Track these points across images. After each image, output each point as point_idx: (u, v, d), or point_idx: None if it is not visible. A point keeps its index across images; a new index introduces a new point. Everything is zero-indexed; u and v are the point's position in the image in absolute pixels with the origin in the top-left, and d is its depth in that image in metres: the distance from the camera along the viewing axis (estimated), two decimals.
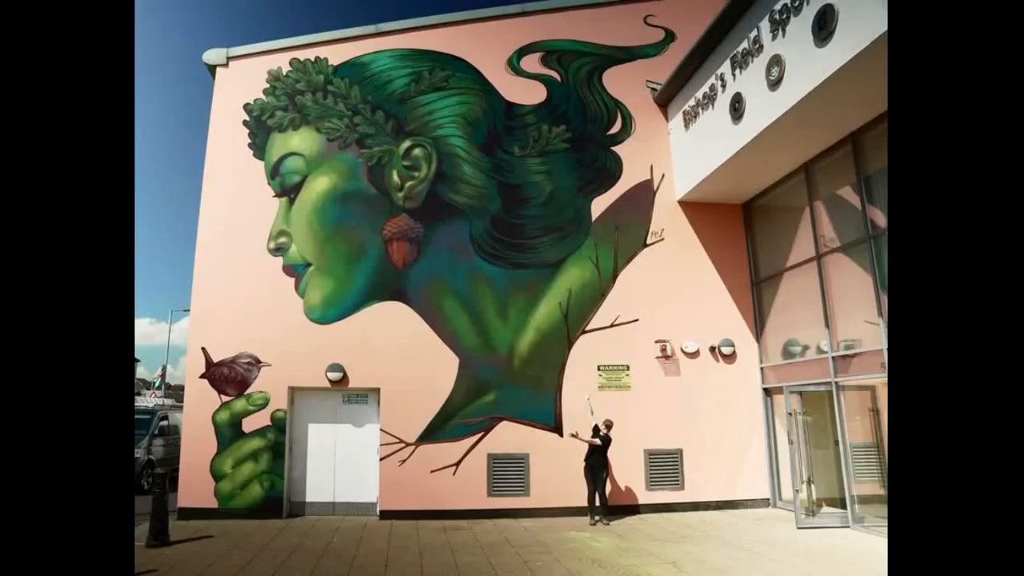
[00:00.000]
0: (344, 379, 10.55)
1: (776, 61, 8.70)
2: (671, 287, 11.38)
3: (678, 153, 11.74)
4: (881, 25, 6.76)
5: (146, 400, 29.07)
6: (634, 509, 10.56)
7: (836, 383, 9.42)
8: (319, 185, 11.12)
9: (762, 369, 11.38)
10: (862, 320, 9.08)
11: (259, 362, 10.48)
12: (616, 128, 11.88)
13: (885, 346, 8.33)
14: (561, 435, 10.60)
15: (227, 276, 10.75)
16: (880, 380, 8.86)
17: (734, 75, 9.85)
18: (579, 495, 10.11)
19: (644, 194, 11.71)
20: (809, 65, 7.97)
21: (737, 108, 9.68)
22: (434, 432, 10.47)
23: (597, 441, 9.85)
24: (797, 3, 8.34)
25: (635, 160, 11.76)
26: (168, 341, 54.36)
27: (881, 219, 8.77)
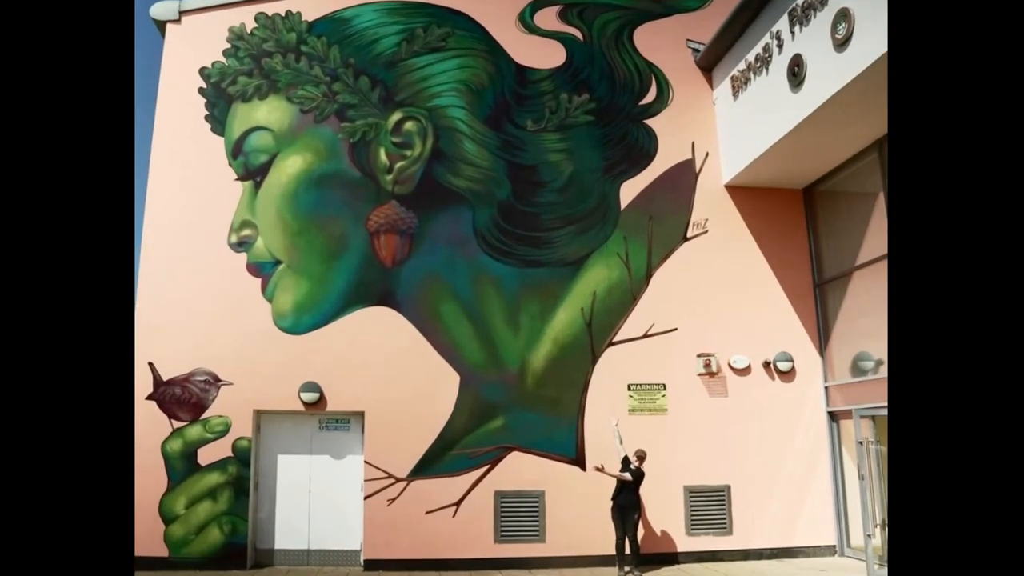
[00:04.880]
0: (321, 401, 10.45)
1: (844, 16, 8.54)
2: (716, 289, 11.22)
3: (725, 127, 11.61)
4: None
5: None
6: (672, 558, 10.43)
7: None
8: (291, 166, 11.03)
9: (827, 388, 11.19)
10: None
11: (218, 380, 10.37)
12: (650, 97, 11.74)
13: None
14: (583, 468, 10.46)
15: (179, 276, 10.68)
16: None
17: (792, 33, 9.75)
18: (605, 541, 9.85)
19: (684, 177, 11.57)
20: (884, 20, 7.62)
21: (796, 73, 9.54)
22: (430, 465, 10.38)
23: (627, 476, 9.61)
24: None
25: (673, 136, 11.63)
26: None
27: None
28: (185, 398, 10.26)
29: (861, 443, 9.73)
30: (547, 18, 11.74)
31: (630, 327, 10.98)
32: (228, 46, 11.33)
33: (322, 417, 10.69)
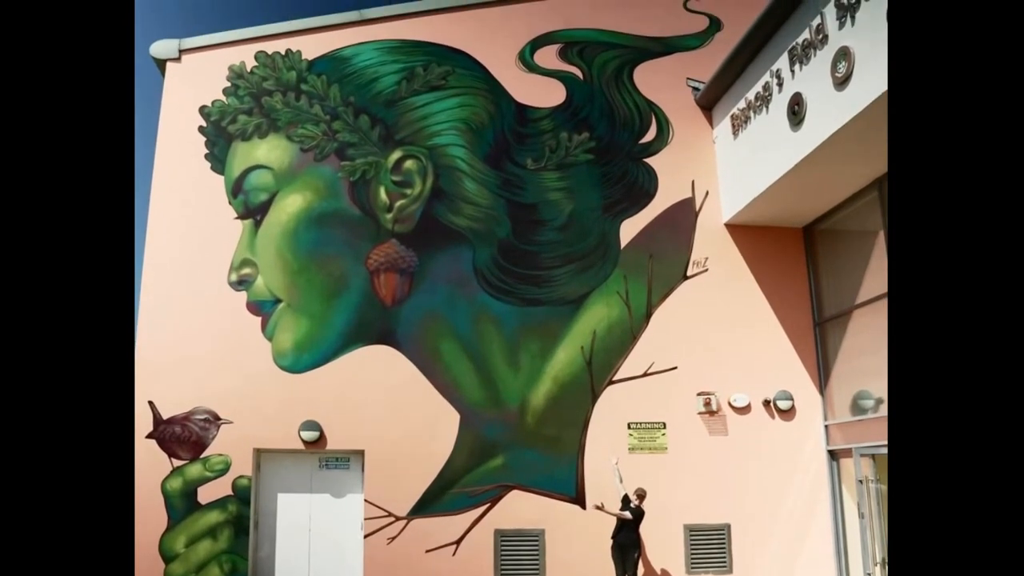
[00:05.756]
0: (321, 439, 10.44)
1: (844, 54, 8.53)
2: (717, 328, 11.19)
3: (725, 166, 11.58)
4: None
5: None
6: None
7: None
8: (291, 205, 11.04)
9: (827, 427, 11.16)
10: None
11: (218, 419, 10.37)
12: (650, 136, 11.72)
13: None
14: (584, 507, 10.45)
15: (179, 315, 10.65)
16: None
17: (792, 71, 9.73)
18: None
19: (684, 216, 11.55)
20: (884, 58, 7.66)
21: (796, 111, 9.52)
22: (430, 504, 10.37)
23: (627, 515, 9.65)
24: None
25: (673, 174, 11.60)
26: None
27: None
28: (185, 436, 10.23)
29: (861, 481, 9.71)
30: (547, 57, 11.74)
31: (630, 366, 10.95)
32: (228, 84, 11.34)
33: (322, 456, 10.66)
